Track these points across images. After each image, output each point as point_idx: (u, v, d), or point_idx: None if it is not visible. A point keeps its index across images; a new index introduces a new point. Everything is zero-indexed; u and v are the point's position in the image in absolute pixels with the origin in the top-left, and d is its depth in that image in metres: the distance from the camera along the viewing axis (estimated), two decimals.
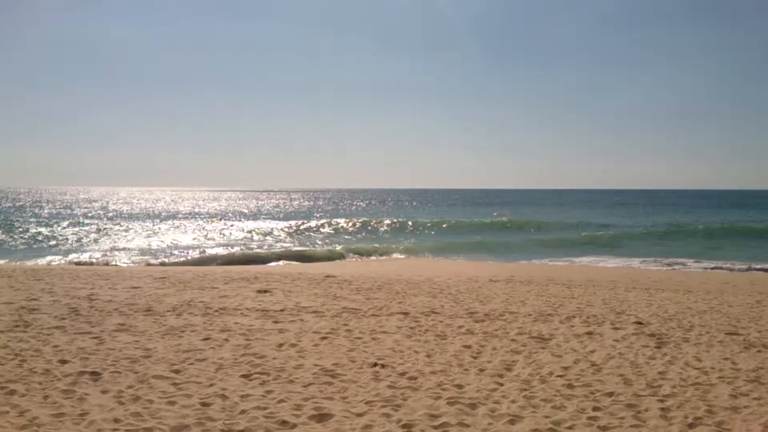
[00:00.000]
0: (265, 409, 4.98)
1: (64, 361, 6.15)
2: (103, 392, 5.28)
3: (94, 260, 23.14)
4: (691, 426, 4.82)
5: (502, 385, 5.81)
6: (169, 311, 9.09)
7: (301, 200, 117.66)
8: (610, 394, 5.56)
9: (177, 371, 5.97)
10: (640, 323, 9.01)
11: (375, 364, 6.39)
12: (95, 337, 7.25)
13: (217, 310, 9.26)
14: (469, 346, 7.31)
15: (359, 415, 4.91)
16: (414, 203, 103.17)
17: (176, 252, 27.54)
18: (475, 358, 6.81)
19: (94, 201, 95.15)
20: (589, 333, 8.25)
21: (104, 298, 10.05)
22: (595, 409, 5.16)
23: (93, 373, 5.78)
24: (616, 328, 8.59)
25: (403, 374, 6.08)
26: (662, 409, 5.19)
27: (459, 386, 5.72)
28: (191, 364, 6.26)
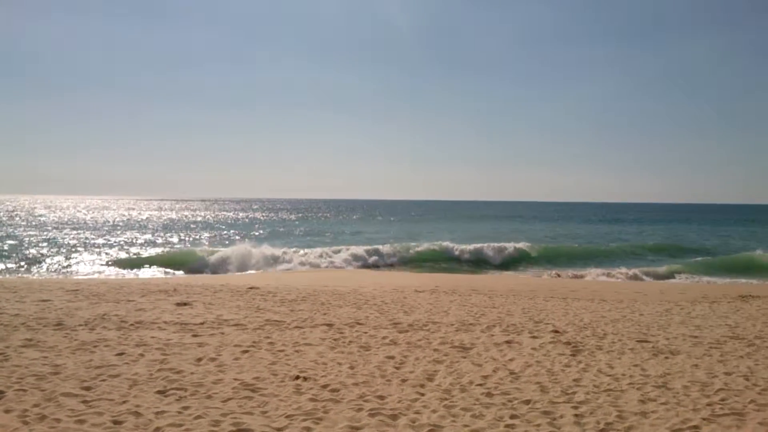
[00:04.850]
0: (180, 426, 4.82)
1: None
2: (6, 411, 4.98)
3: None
4: (602, 431, 5.01)
5: (423, 395, 5.86)
6: (81, 325, 8.69)
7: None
8: (528, 402, 5.70)
9: (88, 388, 5.71)
10: (556, 332, 9.30)
11: (297, 377, 6.32)
12: None
13: (132, 324, 8.91)
14: (392, 357, 7.34)
15: (279, 429, 4.84)
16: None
17: None
18: (397, 368, 6.84)
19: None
20: (509, 342, 8.44)
21: (10, 312, 9.50)
22: (512, 416, 5.28)
23: None
24: (534, 337, 8.83)
25: (325, 386, 6.03)
26: (576, 415, 5.36)
27: (381, 397, 5.73)
28: (103, 380, 5.99)
